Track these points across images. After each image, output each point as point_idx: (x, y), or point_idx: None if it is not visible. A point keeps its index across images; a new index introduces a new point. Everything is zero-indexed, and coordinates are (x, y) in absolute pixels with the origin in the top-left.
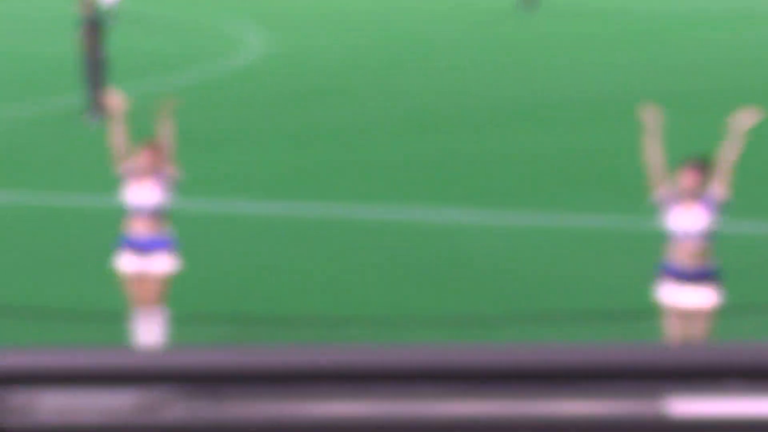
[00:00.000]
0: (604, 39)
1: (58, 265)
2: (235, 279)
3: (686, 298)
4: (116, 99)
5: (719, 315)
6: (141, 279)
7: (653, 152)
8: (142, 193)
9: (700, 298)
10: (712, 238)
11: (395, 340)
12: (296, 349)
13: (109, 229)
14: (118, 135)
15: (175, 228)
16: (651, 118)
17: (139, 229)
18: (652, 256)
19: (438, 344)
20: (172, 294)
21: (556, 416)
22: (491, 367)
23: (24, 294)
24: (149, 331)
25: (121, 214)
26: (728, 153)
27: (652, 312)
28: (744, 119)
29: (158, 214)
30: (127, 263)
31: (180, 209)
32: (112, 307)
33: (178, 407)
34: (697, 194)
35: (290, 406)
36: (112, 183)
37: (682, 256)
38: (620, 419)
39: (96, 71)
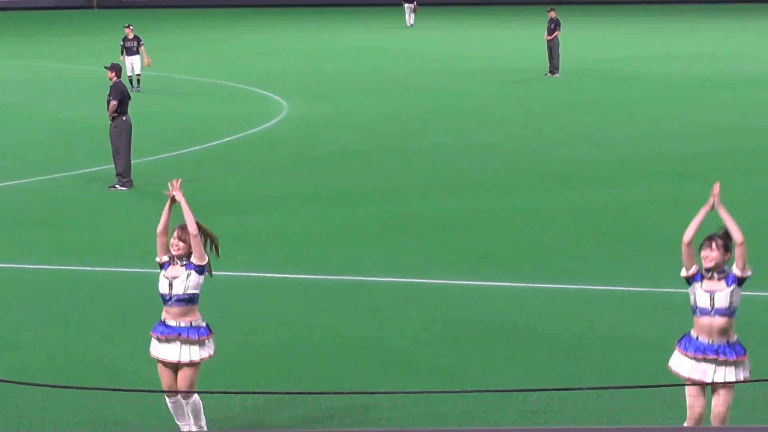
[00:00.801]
0: (621, 101)
1: None
2: (267, 345)
3: (709, 375)
4: (175, 190)
5: (742, 389)
6: (170, 368)
7: (696, 228)
8: (174, 283)
9: (723, 374)
10: (735, 316)
11: (426, 409)
12: None
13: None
14: (166, 224)
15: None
16: (716, 195)
17: (172, 317)
18: (672, 323)
19: (460, 429)
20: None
21: None
22: None
23: None
24: (182, 416)
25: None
26: (731, 231)
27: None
28: (712, 199)
29: (190, 303)
30: (161, 350)
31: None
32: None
33: None
34: (721, 271)
35: None
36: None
37: (706, 332)
38: None
39: (126, 138)
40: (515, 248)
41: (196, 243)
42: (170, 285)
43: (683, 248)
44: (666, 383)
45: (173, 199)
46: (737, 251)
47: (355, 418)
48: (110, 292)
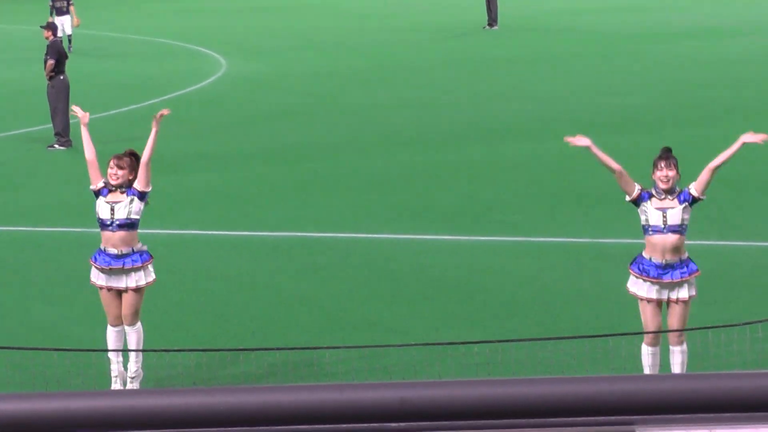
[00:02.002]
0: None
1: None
2: (210, 301)
3: (663, 292)
4: (79, 110)
5: (694, 306)
6: (115, 294)
7: (604, 160)
8: (116, 208)
9: (677, 291)
10: (685, 232)
11: (368, 364)
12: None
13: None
14: (89, 146)
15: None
16: (576, 142)
17: (113, 244)
18: (613, 274)
19: (404, 382)
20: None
21: None
22: (461, 403)
23: None
24: (120, 348)
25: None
26: (721, 158)
27: (619, 330)
28: (751, 136)
29: (131, 229)
30: (104, 278)
31: (152, 231)
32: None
33: None
34: (672, 190)
35: None
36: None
37: (658, 251)
38: None
39: (65, 98)
40: (454, 203)
41: (146, 170)
42: (112, 210)
43: (617, 176)
44: (607, 333)
45: (157, 123)
46: (706, 175)
47: (298, 374)
48: (51, 253)
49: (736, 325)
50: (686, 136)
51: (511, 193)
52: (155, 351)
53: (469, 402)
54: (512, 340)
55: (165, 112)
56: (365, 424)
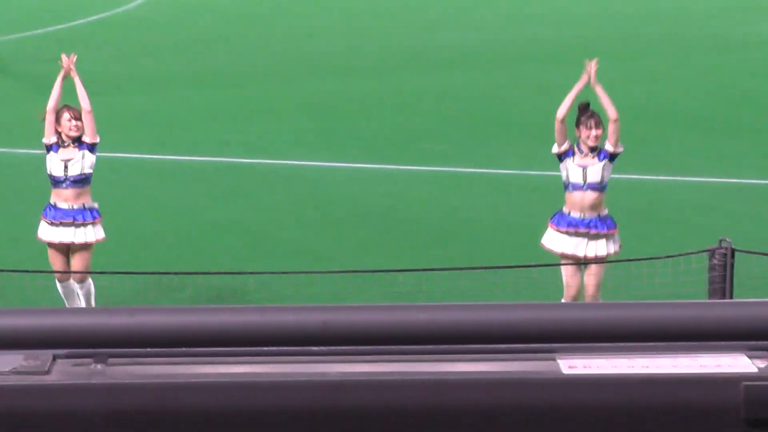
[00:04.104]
0: None
1: None
2: (136, 226)
3: (582, 249)
4: (67, 61)
5: (613, 264)
6: (63, 250)
7: (570, 105)
8: (67, 163)
9: (595, 248)
10: (606, 190)
11: (293, 290)
12: (180, 310)
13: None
14: (56, 101)
15: None
16: (592, 70)
17: (64, 199)
18: (539, 205)
19: (328, 305)
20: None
21: (451, 375)
22: (385, 328)
23: None
24: (72, 301)
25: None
26: (605, 107)
27: (545, 261)
28: (590, 69)
29: (83, 184)
30: (49, 233)
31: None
32: None
33: (63, 368)
34: (596, 148)
35: (175, 367)
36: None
37: (578, 207)
38: (513, 377)
39: None
40: (383, 132)
41: (90, 120)
42: (65, 167)
43: (557, 125)
44: (534, 264)
45: (67, 74)
46: (611, 127)
47: (222, 299)
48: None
49: (658, 258)
50: (618, 71)
51: (439, 123)
52: (79, 273)
53: (389, 327)
54: (437, 269)
55: (71, 62)
56: (287, 347)
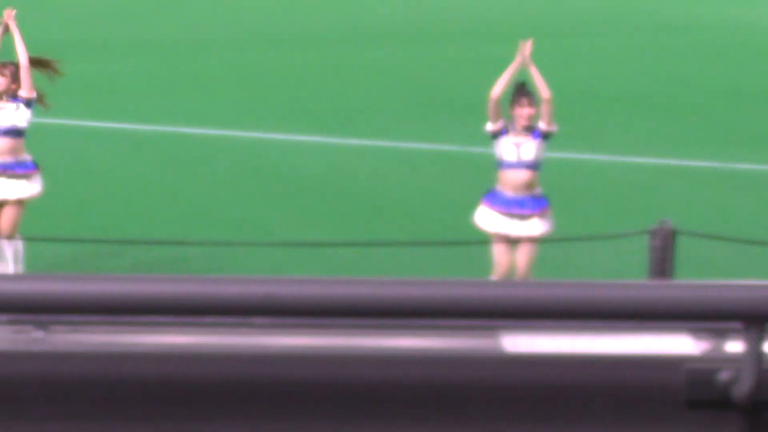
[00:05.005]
0: None
1: None
2: (75, 193)
3: (513, 228)
4: (9, 11)
5: (545, 243)
6: None
7: (505, 85)
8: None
9: (527, 227)
10: (540, 169)
11: (233, 261)
12: (128, 278)
13: None
14: None
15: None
16: (526, 51)
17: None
18: (481, 182)
19: (270, 277)
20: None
21: (392, 350)
22: (327, 301)
23: None
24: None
25: None
26: (538, 86)
27: (484, 238)
28: (523, 49)
29: (16, 137)
30: None
31: None
32: None
33: (4, 335)
34: (529, 126)
35: (115, 336)
36: None
37: (510, 185)
38: (455, 354)
39: None
40: (326, 105)
41: (27, 75)
42: None
43: (491, 104)
44: (472, 240)
45: (6, 28)
46: (544, 107)
47: (163, 269)
48: None
49: (599, 238)
50: (560, 50)
51: (383, 97)
52: (22, 239)
53: (331, 299)
54: (377, 243)
55: (10, 16)
56: (229, 318)
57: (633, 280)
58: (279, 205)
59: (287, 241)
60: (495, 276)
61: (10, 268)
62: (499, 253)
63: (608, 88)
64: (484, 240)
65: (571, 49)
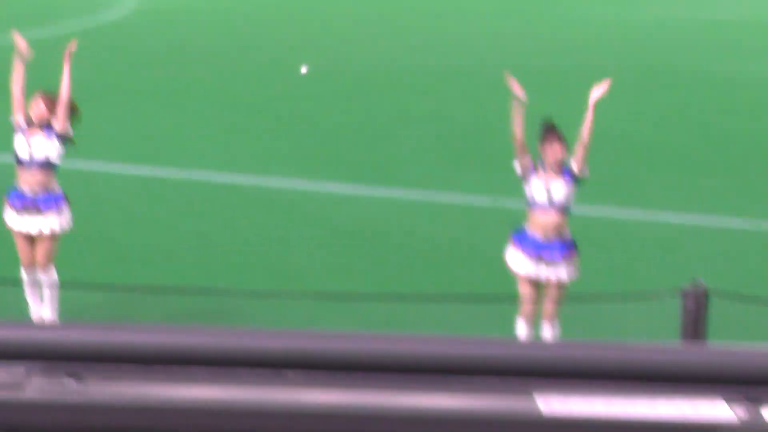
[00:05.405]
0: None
1: None
2: (106, 239)
3: (542, 272)
4: (22, 41)
5: (583, 300)
6: (29, 237)
7: (519, 122)
8: (34, 146)
9: (556, 272)
10: (569, 213)
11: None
12: (162, 328)
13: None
14: (19, 80)
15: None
16: (516, 87)
17: (28, 184)
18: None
19: (306, 331)
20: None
21: (427, 409)
22: (361, 357)
23: None
24: (36, 294)
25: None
26: (583, 128)
27: (514, 295)
28: (594, 92)
29: (48, 170)
30: (14, 220)
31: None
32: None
33: (39, 384)
34: (559, 167)
35: (154, 387)
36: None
37: (540, 228)
38: (492, 415)
39: None
40: (362, 154)
41: (65, 110)
42: (30, 149)
43: (514, 142)
44: (503, 295)
45: (69, 56)
46: (580, 149)
47: (194, 319)
48: None
49: (631, 299)
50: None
51: (416, 148)
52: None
53: (367, 355)
54: (409, 297)
55: (73, 46)
56: (262, 370)
57: (674, 343)
58: (312, 255)
59: (321, 292)
60: (520, 317)
61: (45, 307)
62: (526, 293)
63: (643, 140)
64: (513, 296)
65: (615, 100)
